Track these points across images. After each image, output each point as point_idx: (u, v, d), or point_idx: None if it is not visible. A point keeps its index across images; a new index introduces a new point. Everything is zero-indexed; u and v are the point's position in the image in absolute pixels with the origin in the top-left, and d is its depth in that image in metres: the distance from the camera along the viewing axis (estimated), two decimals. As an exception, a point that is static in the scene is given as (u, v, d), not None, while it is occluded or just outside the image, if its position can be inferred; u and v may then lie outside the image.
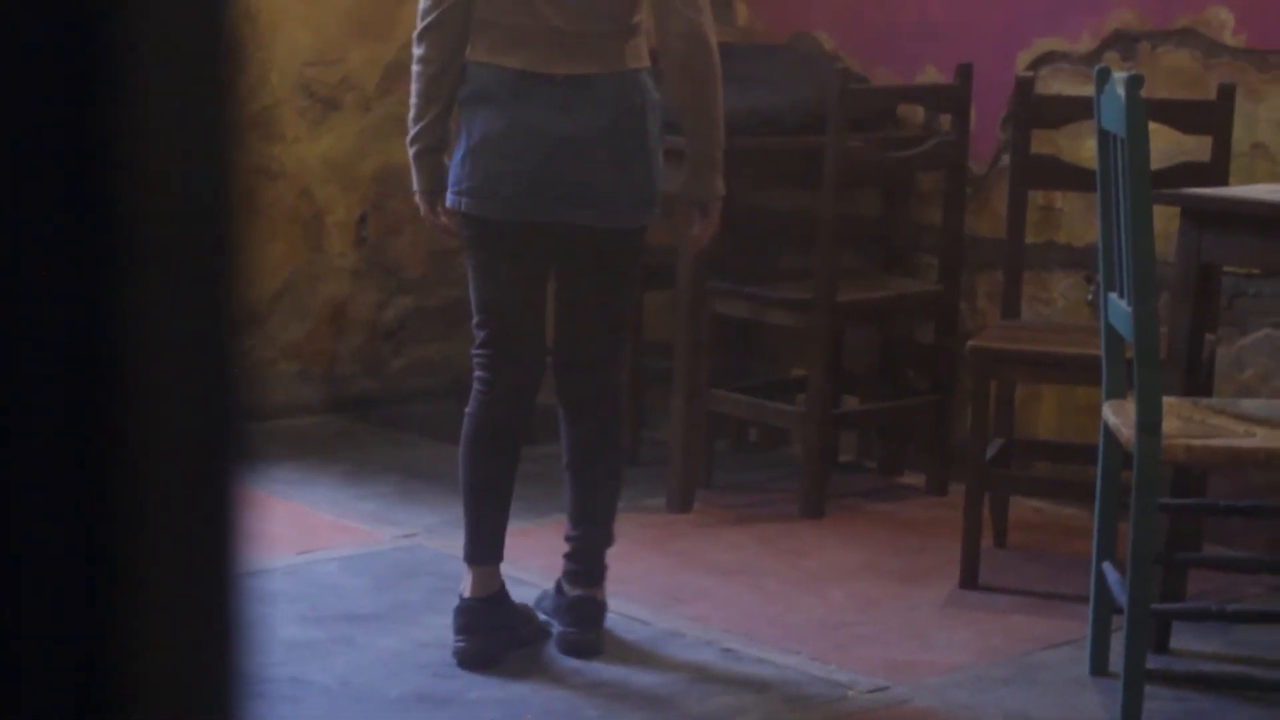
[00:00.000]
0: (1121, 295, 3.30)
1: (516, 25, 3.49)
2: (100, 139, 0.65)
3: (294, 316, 5.49)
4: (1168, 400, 3.29)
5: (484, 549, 3.66)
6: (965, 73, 4.68)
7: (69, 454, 0.65)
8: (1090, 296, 4.64)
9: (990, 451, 4.20)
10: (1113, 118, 3.25)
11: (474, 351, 3.65)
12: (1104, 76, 3.35)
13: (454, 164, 3.56)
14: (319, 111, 5.47)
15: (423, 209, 3.65)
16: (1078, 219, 4.69)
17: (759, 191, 5.10)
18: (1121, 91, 3.14)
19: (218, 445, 0.69)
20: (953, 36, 4.93)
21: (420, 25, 3.56)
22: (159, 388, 0.67)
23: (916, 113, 5.03)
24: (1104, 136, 3.38)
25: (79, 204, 0.65)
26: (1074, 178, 4.36)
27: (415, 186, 3.63)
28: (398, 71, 5.49)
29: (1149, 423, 3.13)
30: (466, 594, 3.65)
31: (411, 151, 3.60)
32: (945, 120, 4.81)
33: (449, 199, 3.56)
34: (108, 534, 0.66)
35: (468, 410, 3.65)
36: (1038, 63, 4.75)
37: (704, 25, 3.57)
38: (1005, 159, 4.74)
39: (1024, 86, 4.39)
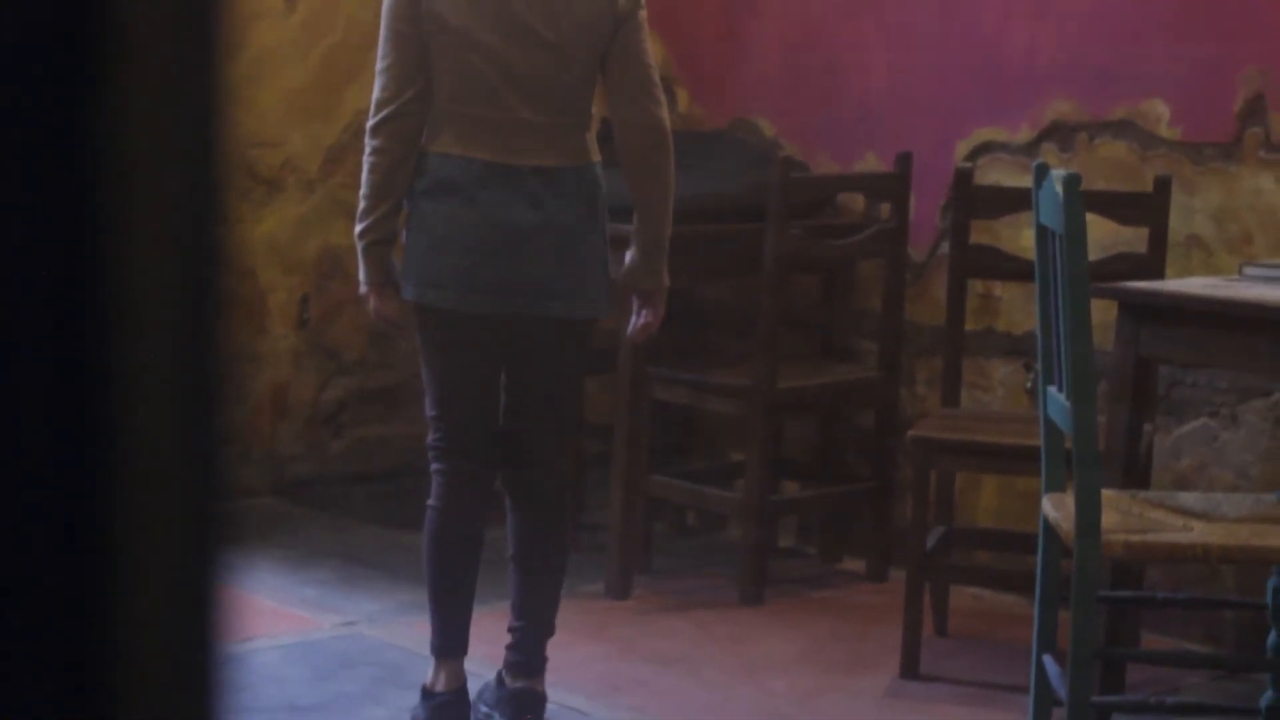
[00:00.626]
0: (1060, 389, 3.32)
1: (483, 116, 3.47)
2: (90, 217, 0.65)
3: (234, 399, 5.46)
4: (1106, 493, 3.31)
5: (453, 641, 3.64)
6: (905, 161, 4.72)
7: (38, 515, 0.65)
8: (1029, 384, 4.67)
9: (931, 540, 4.21)
10: (1051, 215, 3.29)
11: (430, 444, 3.63)
12: (1042, 172, 3.38)
13: (413, 256, 3.51)
14: (262, 193, 5.47)
15: (372, 302, 3.60)
16: (1017, 307, 4.72)
17: (699, 277, 5.12)
18: (1059, 190, 3.17)
19: (199, 529, 0.70)
20: (892, 124, 4.98)
21: (376, 116, 3.51)
22: (141, 466, 0.67)
23: (856, 199, 5.06)
24: (1042, 231, 3.41)
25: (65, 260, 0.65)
26: (1013, 268, 4.40)
27: (363, 279, 3.57)
28: (340, 153, 5.51)
29: (1088, 525, 3.14)
30: (440, 688, 3.63)
31: (361, 244, 3.55)
32: (885, 208, 4.85)
33: (406, 291, 3.54)
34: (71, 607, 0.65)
35: (429, 503, 3.63)
36: (976, 152, 4.80)
37: (665, 118, 3.59)
38: (944, 247, 4.78)
39: (963, 177, 4.44)
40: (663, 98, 3.61)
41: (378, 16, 3.59)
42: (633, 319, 3.74)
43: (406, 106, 3.48)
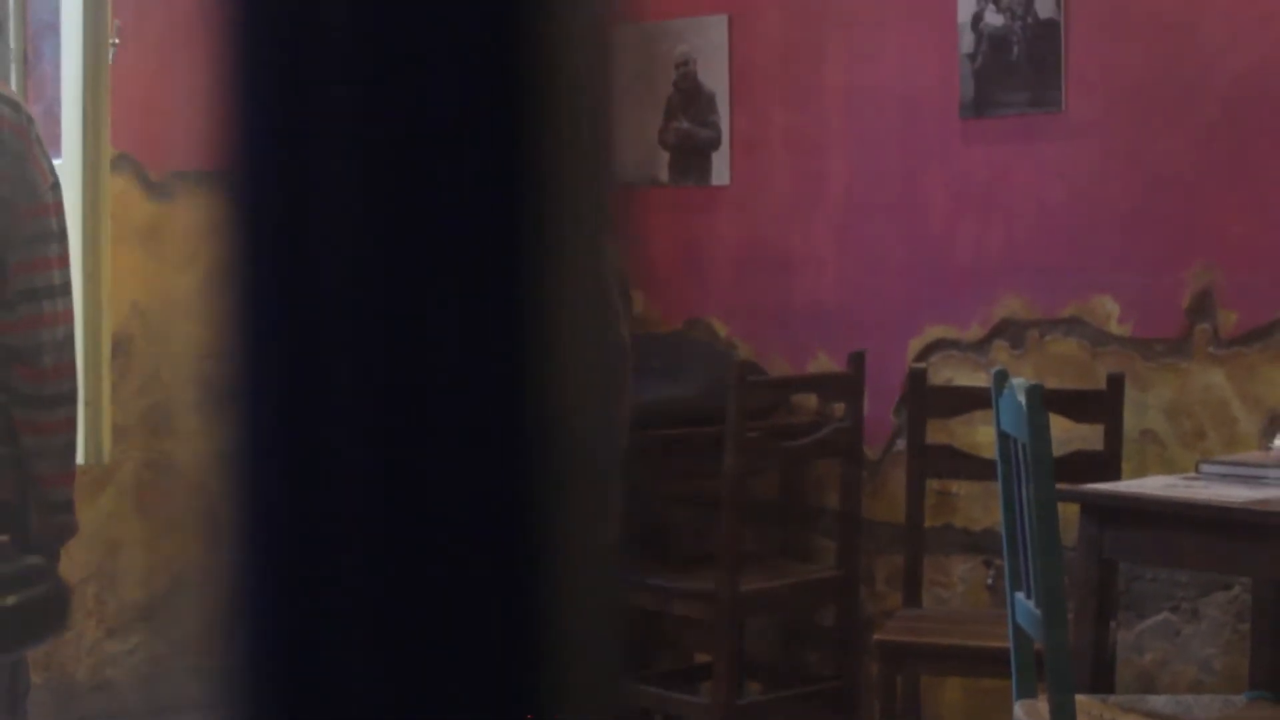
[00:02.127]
0: (1029, 596, 3.33)
1: None
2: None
3: (188, 613, 5.42)
4: (1079, 699, 3.31)
5: None
6: (858, 361, 4.76)
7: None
8: (990, 581, 4.68)
9: (899, 743, 4.19)
10: (1013, 423, 3.32)
11: None
12: (1002, 379, 3.42)
13: None
14: (215, 405, 5.45)
15: None
16: (974, 503, 4.75)
17: (654, 479, 5.12)
18: (1023, 399, 3.20)
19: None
20: (844, 323, 5.03)
21: None
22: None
23: (810, 397, 5.10)
24: (1004, 437, 3.44)
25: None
26: (970, 466, 4.43)
27: None
28: (293, 361, 5.51)
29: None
30: None
31: None
32: (839, 406, 4.88)
33: None
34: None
35: None
36: (929, 349, 4.85)
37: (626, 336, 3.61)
38: (899, 444, 4.81)
39: (917, 378, 4.48)
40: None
41: None
42: None
43: None
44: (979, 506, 4.72)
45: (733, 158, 5.36)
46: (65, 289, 2.88)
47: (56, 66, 4.13)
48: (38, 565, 2.31)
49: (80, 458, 4.02)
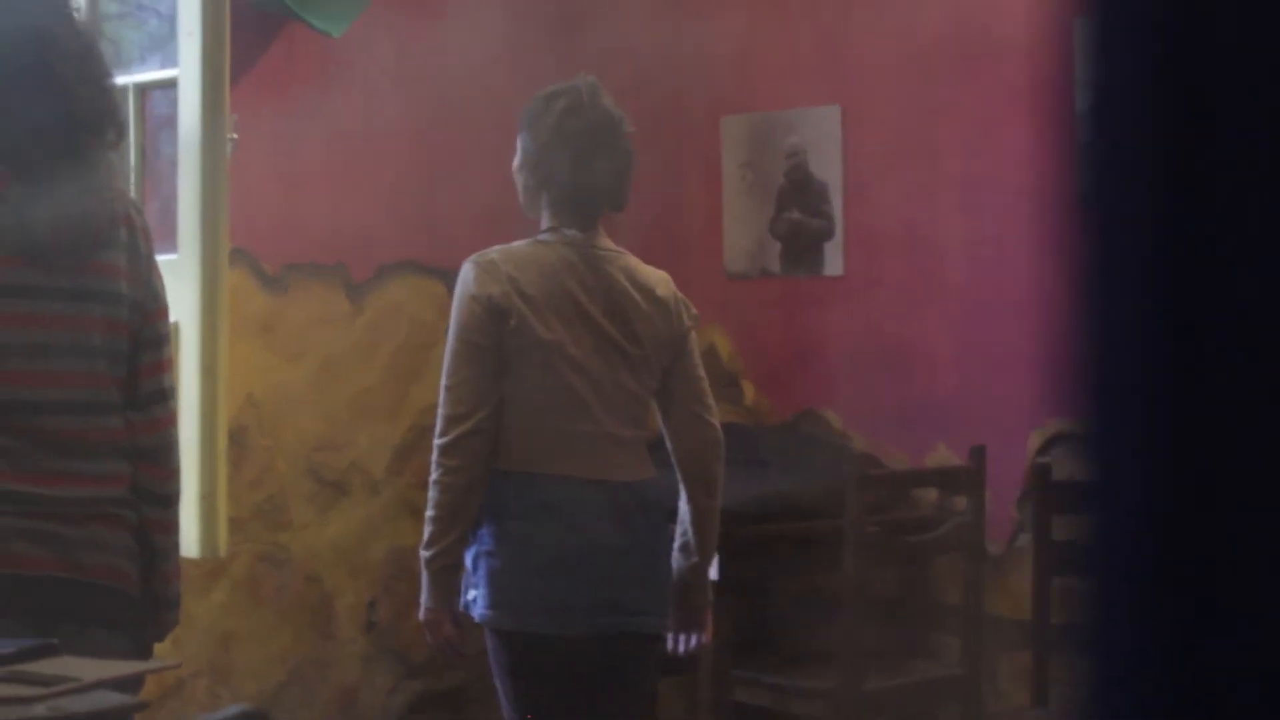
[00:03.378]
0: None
1: (575, 432, 3.39)
2: None
3: (302, 705, 5.39)
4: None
5: None
6: (979, 455, 4.68)
7: None
8: (1117, 679, 4.56)
9: None
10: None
11: None
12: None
13: (499, 579, 3.36)
14: (328, 496, 5.45)
15: (443, 628, 3.42)
16: (1100, 600, 4.63)
17: (776, 576, 5.05)
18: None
19: None
20: (964, 415, 4.95)
21: (449, 435, 3.35)
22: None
23: (929, 491, 5.02)
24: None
25: None
26: (1097, 562, 4.32)
27: (429, 603, 3.41)
28: (406, 453, 5.49)
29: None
30: None
31: (431, 569, 3.40)
32: (959, 500, 4.80)
33: (486, 616, 3.41)
34: None
35: None
36: (1051, 442, 4.76)
37: (720, 433, 3.56)
38: (1023, 539, 4.72)
39: (1041, 472, 4.39)
40: (715, 407, 3.58)
41: (440, 316, 3.48)
42: (684, 636, 3.59)
43: (482, 424, 3.34)
44: (1104, 603, 4.61)
45: (846, 248, 5.31)
46: (175, 391, 2.89)
47: (173, 163, 4.14)
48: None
49: (195, 551, 4.01)
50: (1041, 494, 4.37)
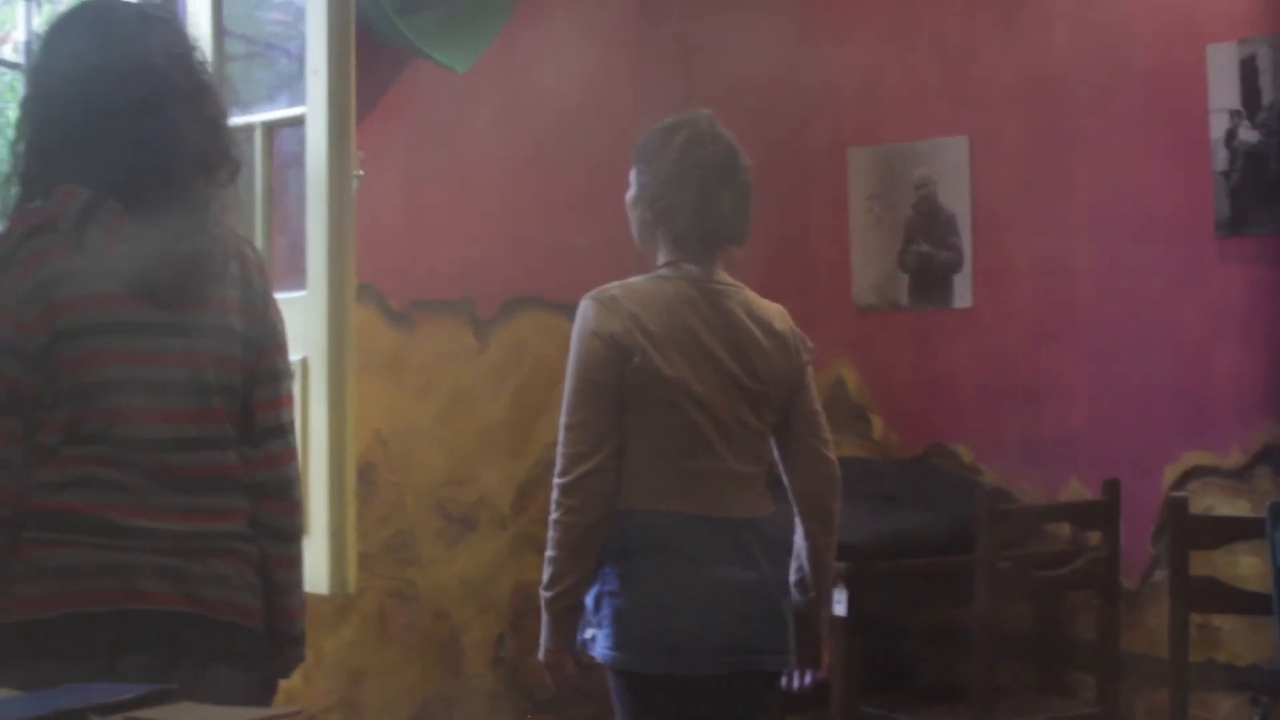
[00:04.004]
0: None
1: (697, 470, 3.34)
2: None
3: (429, 742, 5.39)
4: None
5: None
6: (1113, 488, 4.59)
7: None
8: (1258, 718, 4.46)
9: None
10: (1289, 555, 3.15)
11: None
12: (1276, 513, 3.25)
13: (624, 620, 3.31)
14: (455, 532, 5.45)
15: (565, 668, 3.38)
16: (1239, 638, 4.54)
17: (907, 612, 4.99)
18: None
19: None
20: (1096, 448, 4.87)
21: (572, 474, 3.31)
22: None
23: (1062, 525, 4.94)
24: None
25: None
26: (1236, 600, 4.22)
27: (548, 644, 3.36)
28: (531, 488, 5.48)
29: None
30: None
31: (553, 609, 3.35)
32: (1093, 535, 4.72)
33: (606, 654, 3.36)
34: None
35: None
36: (1186, 476, 4.66)
37: (837, 467, 3.51)
38: (1158, 574, 4.63)
39: (1178, 507, 4.29)
40: (831, 441, 3.52)
41: (564, 351, 3.43)
42: (799, 672, 3.54)
43: (604, 463, 3.30)
44: (1244, 641, 4.51)
45: (975, 280, 5.25)
46: (294, 426, 2.88)
47: (300, 199, 4.17)
48: None
49: (325, 588, 4.02)
50: (1178, 528, 4.28)
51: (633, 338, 3.33)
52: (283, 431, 2.80)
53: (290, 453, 2.82)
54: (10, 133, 2.76)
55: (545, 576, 3.35)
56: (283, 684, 2.87)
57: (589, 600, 3.38)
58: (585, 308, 3.39)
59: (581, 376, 3.34)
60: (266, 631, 2.77)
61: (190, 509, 2.64)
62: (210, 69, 2.78)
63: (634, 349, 3.33)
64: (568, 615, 3.36)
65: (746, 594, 3.33)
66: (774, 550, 3.42)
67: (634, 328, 3.34)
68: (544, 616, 3.36)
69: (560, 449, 3.36)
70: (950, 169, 5.32)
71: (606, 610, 3.33)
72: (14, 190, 2.70)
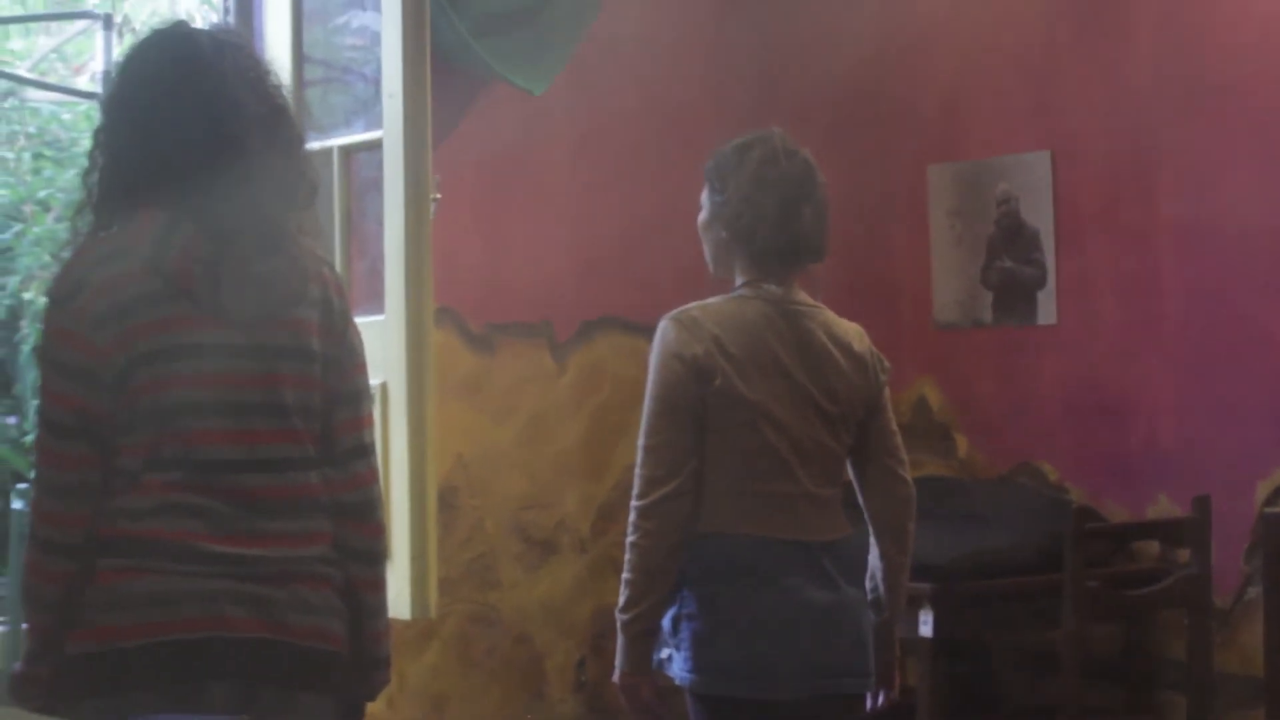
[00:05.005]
0: None
1: (776, 493, 3.28)
2: None
3: (513, 767, 5.36)
4: None
5: None
6: (1203, 505, 4.52)
7: None
8: (1356, 739, 4.37)
9: None
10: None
11: None
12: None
13: (705, 644, 3.26)
14: (536, 555, 5.43)
15: (641, 692, 3.31)
16: (1335, 656, 4.45)
17: (994, 631, 4.93)
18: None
19: None
20: (1186, 465, 4.80)
21: (649, 497, 3.24)
22: None
23: (1151, 544, 4.87)
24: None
25: None
26: (1332, 617, 4.15)
27: (624, 667, 3.30)
28: (612, 510, 5.46)
29: None
30: None
31: (629, 632, 3.28)
32: (1183, 553, 4.64)
33: (686, 678, 3.31)
34: None
35: None
36: (1279, 493, 4.59)
37: (913, 488, 3.46)
38: (1251, 592, 4.55)
39: (1272, 523, 4.22)
40: (907, 461, 3.47)
41: (642, 373, 3.39)
42: (874, 694, 3.50)
43: (683, 487, 3.24)
44: (1341, 659, 4.42)
45: (1059, 297, 5.19)
46: (375, 447, 2.86)
47: (378, 223, 4.16)
48: None
49: (407, 612, 4.00)
50: (1272, 545, 4.20)
51: (713, 360, 3.29)
52: (366, 452, 2.78)
53: (373, 474, 2.81)
54: (84, 162, 2.76)
55: (622, 599, 3.31)
56: (366, 708, 2.85)
57: (666, 622, 3.34)
58: (665, 329, 3.35)
59: (661, 399, 3.29)
60: (352, 656, 2.74)
61: (273, 533, 2.62)
62: (285, 93, 2.77)
63: (715, 371, 3.28)
64: (644, 638, 3.30)
65: (827, 617, 3.29)
66: (853, 572, 3.37)
67: (715, 350, 3.29)
68: (620, 639, 3.32)
69: (638, 471, 3.30)
70: (1033, 184, 5.26)
71: (685, 633, 3.29)
72: (87, 219, 2.70)
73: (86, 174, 2.73)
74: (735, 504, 3.28)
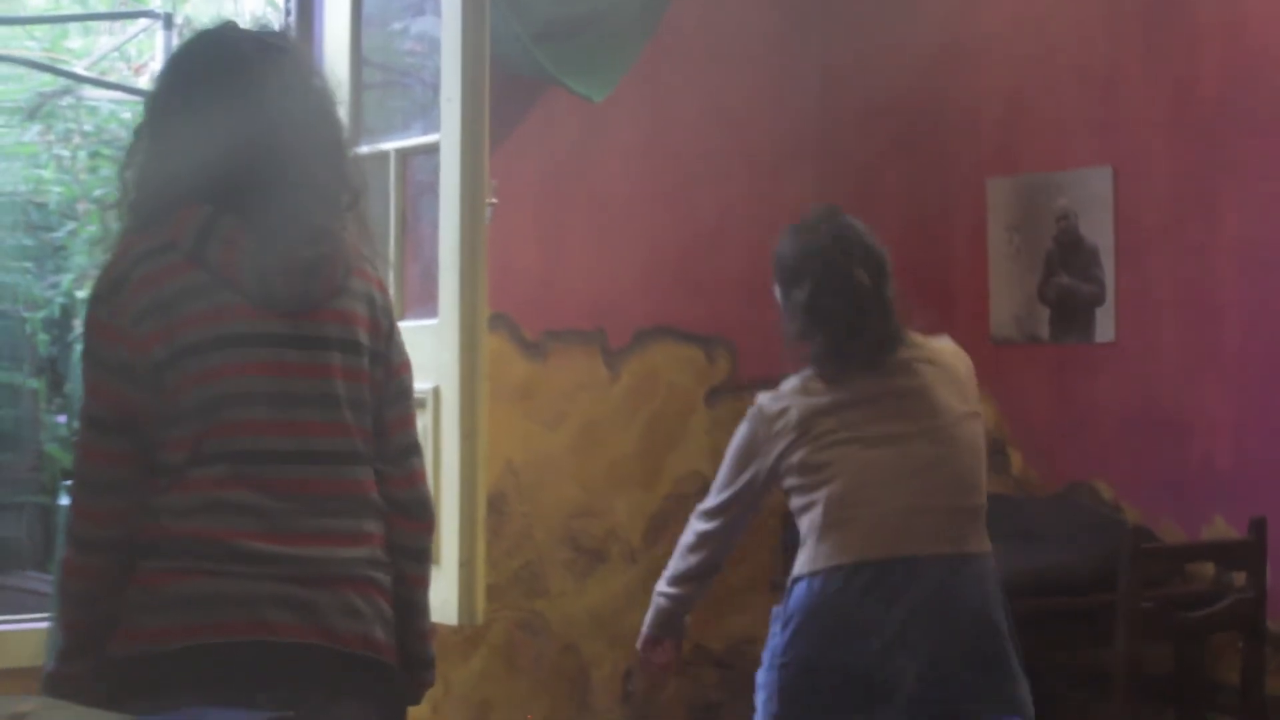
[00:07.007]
0: None
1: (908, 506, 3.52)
2: None
3: (558, 775, 5.34)
4: None
5: None
6: (1259, 527, 4.47)
7: None
8: None
9: None
10: None
11: None
12: None
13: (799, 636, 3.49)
14: (585, 564, 5.41)
15: (664, 652, 3.77)
16: (1393, 684, 4.39)
17: (1042, 650, 4.88)
18: None
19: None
20: (1243, 486, 4.74)
21: (717, 499, 3.65)
22: None
23: (1207, 565, 4.81)
24: None
25: None
26: (1390, 644, 4.09)
27: (649, 630, 3.78)
28: (662, 521, 5.43)
29: None
30: None
31: (667, 601, 3.75)
32: (1238, 575, 4.59)
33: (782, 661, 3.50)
34: None
35: None
36: (1338, 516, 4.53)
37: None
38: (1307, 617, 4.50)
39: (1330, 547, 4.17)
40: None
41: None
42: None
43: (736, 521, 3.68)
44: (1398, 687, 4.37)
45: (1118, 314, 5.13)
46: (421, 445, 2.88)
47: (434, 227, 4.15)
48: None
49: (454, 618, 3.98)
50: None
51: (812, 419, 3.50)
52: (418, 449, 2.78)
53: (425, 471, 2.81)
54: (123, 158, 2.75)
55: (670, 571, 3.58)
56: (411, 712, 2.83)
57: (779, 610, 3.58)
58: (761, 402, 3.60)
59: (741, 453, 3.61)
60: (399, 659, 2.72)
61: (323, 531, 2.58)
62: (331, 97, 2.75)
63: (813, 427, 3.49)
64: (678, 615, 3.74)
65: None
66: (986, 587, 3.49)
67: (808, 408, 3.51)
68: (653, 606, 3.59)
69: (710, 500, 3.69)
70: (1093, 199, 5.21)
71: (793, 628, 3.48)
72: (124, 217, 2.69)
73: (122, 170, 2.72)
74: (832, 536, 3.51)
